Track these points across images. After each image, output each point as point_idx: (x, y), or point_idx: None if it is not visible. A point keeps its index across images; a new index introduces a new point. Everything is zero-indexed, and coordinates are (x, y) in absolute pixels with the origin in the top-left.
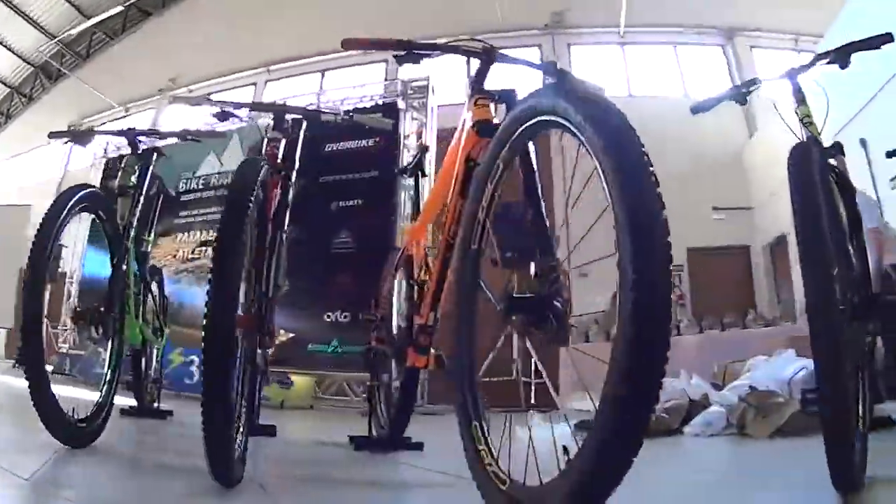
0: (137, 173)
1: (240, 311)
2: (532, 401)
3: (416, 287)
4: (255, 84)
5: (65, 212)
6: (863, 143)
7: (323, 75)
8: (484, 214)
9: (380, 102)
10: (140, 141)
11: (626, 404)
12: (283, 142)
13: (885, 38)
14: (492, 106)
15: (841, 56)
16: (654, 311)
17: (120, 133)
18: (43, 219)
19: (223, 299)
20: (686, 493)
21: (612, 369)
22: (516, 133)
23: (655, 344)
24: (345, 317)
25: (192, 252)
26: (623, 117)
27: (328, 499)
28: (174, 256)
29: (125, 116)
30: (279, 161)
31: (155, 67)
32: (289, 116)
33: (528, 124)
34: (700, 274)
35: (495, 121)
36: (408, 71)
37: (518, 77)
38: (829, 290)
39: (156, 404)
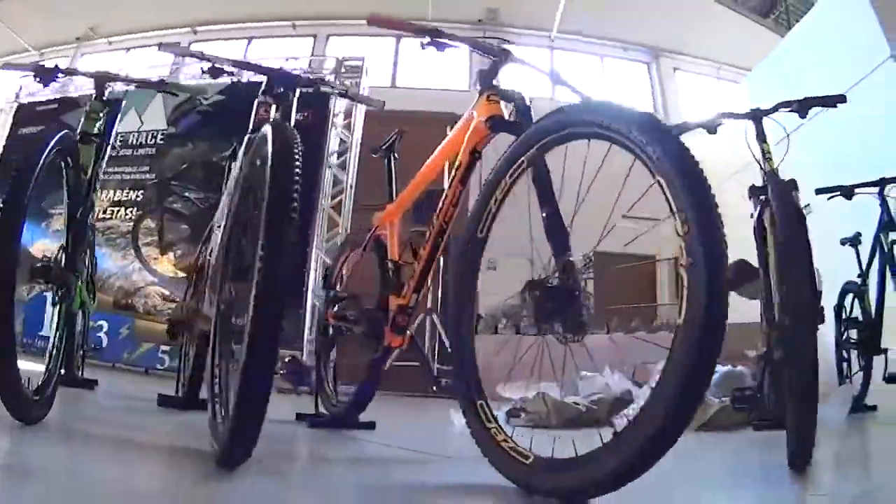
0: (104, 121)
1: None
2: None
3: (392, 267)
4: (178, 44)
5: (44, 156)
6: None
7: (249, 42)
8: (496, 205)
9: (311, 77)
10: (106, 87)
11: (687, 386)
12: (274, 107)
13: (840, 99)
14: (503, 103)
15: (802, 107)
16: (720, 309)
17: (88, 75)
18: (22, 162)
19: (278, 269)
20: (658, 477)
21: (679, 355)
22: (552, 136)
23: (717, 336)
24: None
25: (104, 212)
26: (681, 139)
27: (331, 476)
28: None
29: (39, 62)
30: None
31: (76, 13)
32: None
33: (568, 131)
34: (605, 277)
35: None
36: (342, 49)
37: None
38: (813, 305)
39: (80, 373)
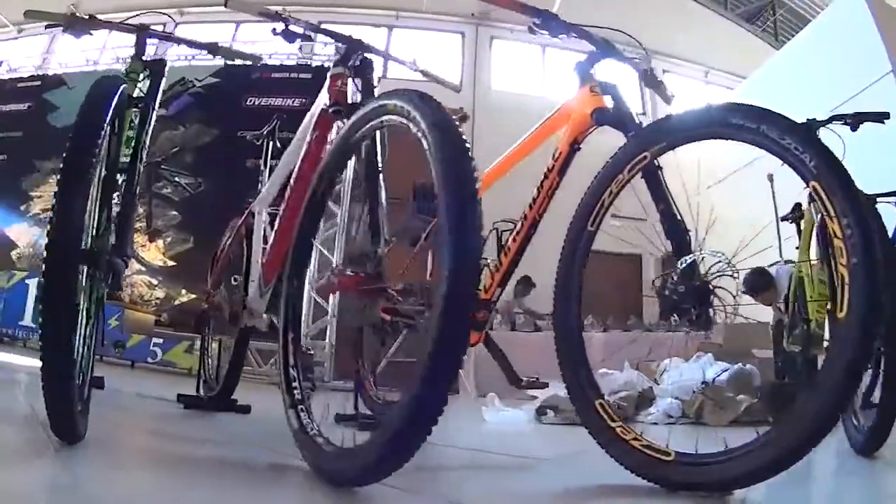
0: (150, 84)
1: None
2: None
3: None
4: (164, 25)
5: (112, 109)
6: (770, 178)
7: (238, 27)
8: (611, 199)
9: (312, 64)
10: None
11: (850, 376)
12: (351, 80)
13: (885, 115)
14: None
15: (854, 120)
16: (881, 304)
17: (129, 29)
18: (80, 125)
19: (471, 262)
20: None
21: (841, 347)
22: (686, 133)
23: (878, 328)
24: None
25: None
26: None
27: (451, 483)
28: None
29: (17, 38)
30: (349, 102)
31: None
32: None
33: (707, 131)
34: (593, 275)
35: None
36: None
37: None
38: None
39: None
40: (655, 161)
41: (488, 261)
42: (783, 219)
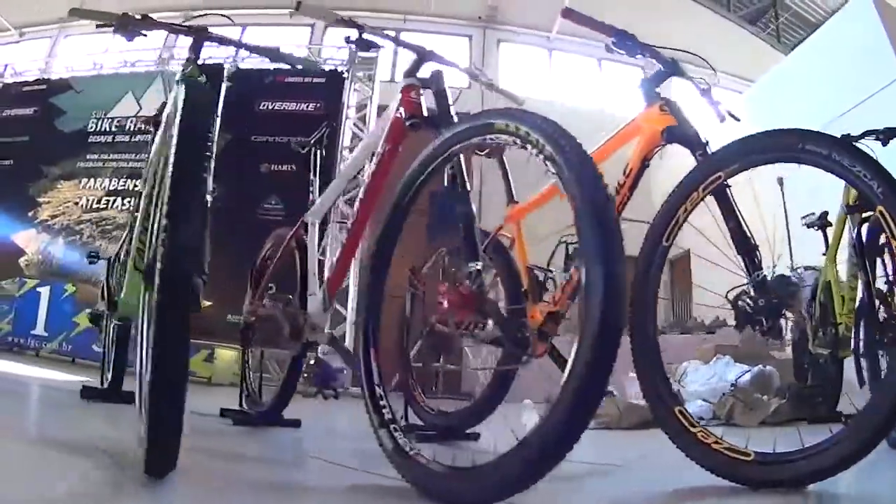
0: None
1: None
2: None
3: (535, 273)
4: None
5: (213, 118)
6: (780, 181)
7: (243, 30)
8: (685, 215)
9: (325, 69)
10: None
11: None
12: (425, 92)
13: None
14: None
15: (886, 135)
16: None
17: (185, 31)
18: (192, 120)
19: (621, 282)
20: None
21: None
22: (765, 156)
23: None
24: (269, 287)
25: (98, 202)
26: None
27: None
28: (76, 204)
29: (18, 42)
30: (425, 115)
31: None
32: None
33: (787, 155)
34: None
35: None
36: (340, 41)
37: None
38: None
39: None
40: (726, 181)
41: (555, 273)
42: (808, 226)
